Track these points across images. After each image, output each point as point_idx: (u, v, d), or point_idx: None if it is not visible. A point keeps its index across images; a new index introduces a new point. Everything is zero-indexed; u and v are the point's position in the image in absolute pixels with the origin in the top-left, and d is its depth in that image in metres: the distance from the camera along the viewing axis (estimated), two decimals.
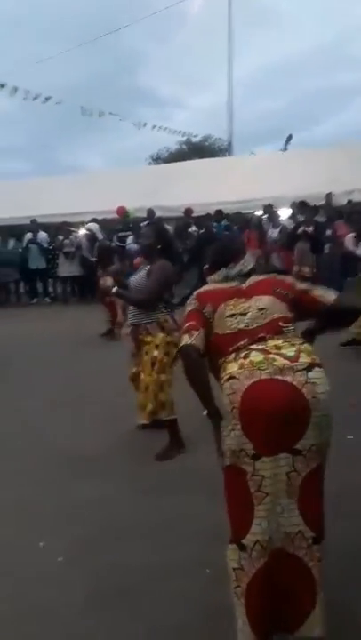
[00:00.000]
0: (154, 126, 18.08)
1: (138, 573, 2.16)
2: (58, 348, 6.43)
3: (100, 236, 9.39)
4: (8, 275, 10.59)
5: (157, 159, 26.88)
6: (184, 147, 26.11)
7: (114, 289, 3.16)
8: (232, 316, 1.70)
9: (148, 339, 3.11)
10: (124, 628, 1.87)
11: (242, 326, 1.67)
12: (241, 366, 1.56)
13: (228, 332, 1.68)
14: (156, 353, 3.08)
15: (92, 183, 12.79)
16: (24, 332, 7.70)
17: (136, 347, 3.22)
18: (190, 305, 1.81)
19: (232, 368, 1.57)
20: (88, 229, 9.63)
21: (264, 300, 1.72)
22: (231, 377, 1.55)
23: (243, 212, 10.62)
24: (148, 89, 53.31)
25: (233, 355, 1.63)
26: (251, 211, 10.84)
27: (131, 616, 1.92)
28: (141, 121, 18.25)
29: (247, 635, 1.51)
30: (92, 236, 9.46)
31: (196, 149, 24.52)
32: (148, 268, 3.14)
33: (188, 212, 10.49)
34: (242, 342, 1.63)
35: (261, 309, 1.70)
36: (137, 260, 9.66)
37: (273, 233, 9.53)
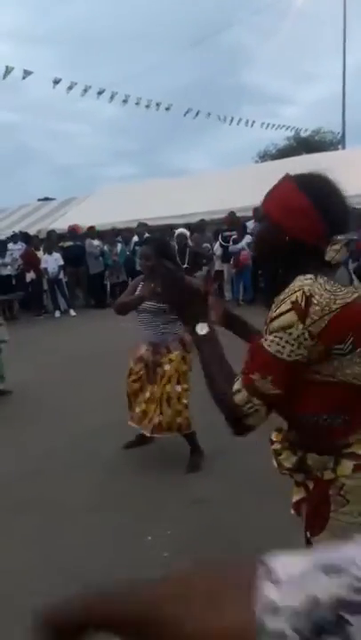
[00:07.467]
0: (262, 123, 17.88)
1: None
2: None
3: (190, 242, 9.41)
4: (116, 276, 11.15)
5: (264, 156, 26.49)
6: (292, 142, 25.39)
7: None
8: None
9: (166, 356, 3.09)
10: None
11: None
12: None
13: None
14: (167, 367, 3.07)
15: (198, 185, 12.96)
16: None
17: (153, 365, 3.12)
18: (308, 327, 1.04)
19: None
20: (179, 235, 9.61)
21: None
22: None
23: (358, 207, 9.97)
24: (254, 86, 52.95)
25: None
26: None
27: None
28: (249, 119, 18.13)
29: None
30: (183, 243, 9.47)
31: (305, 144, 23.70)
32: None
33: None
34: None
35: None
36: (243, 256, 9.57)
37: None
